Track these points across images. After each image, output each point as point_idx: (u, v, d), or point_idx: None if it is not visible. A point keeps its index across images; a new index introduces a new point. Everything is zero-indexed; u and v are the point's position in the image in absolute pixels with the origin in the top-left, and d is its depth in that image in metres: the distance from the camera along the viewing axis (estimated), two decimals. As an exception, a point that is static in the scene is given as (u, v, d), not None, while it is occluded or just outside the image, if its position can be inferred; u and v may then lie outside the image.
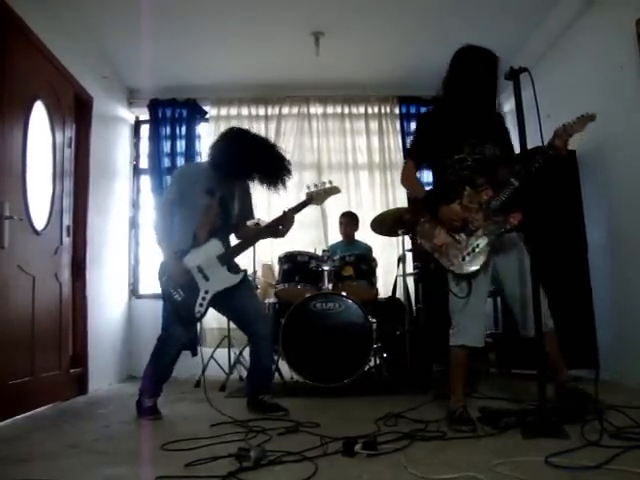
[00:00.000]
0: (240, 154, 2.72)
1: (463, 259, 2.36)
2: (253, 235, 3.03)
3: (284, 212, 2.86)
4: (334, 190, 2.98)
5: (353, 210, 4.76)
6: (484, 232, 2.36)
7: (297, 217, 2.91)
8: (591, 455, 1.68)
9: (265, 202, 4.91)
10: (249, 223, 3.18)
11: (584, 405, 2.16)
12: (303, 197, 2.95)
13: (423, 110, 5.23)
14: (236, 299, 2.78)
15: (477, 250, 2.35)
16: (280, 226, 2.87)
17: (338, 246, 4.43)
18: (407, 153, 2.71)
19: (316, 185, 2.96)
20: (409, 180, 2.61)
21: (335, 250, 4.25)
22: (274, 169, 2.82)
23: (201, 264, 2.73)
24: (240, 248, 2.88)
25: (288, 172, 2.85)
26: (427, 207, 2.48)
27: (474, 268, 2.34)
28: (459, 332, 2.39)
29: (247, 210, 3.05)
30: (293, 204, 2.93)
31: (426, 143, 2.54)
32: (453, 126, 2.45)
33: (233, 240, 2.98)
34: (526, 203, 2.35)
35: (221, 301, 2.77)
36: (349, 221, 4.49)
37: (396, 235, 3.98)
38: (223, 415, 2.54)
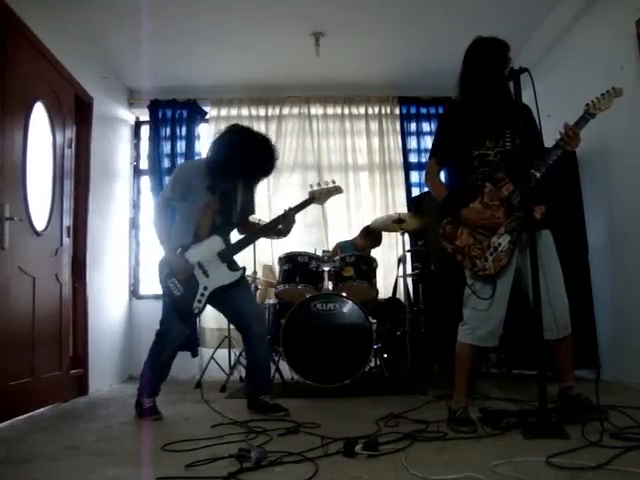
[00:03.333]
0: (233, 157, 2.72)
1: (485, 260, 2.31)
2: (255, 233, 3.04)
3: (285, 211, 2.86)
4: (336, 190, 2.97)
5: (352, 210, 4.77)
6: (506, 229, 2.30)
7: (298, 217, 2.90)
8: (592, 455, 1.68)
9: (265, 202, 4.93)
10: (250, 220, 3.18)
11: (586, 413, 2.14)
12: (304, 198, 2.95)
13: (423, 110, 5.26)
14: (233, 296, 2.79)
15: (500, 249, 2.30)
16: (280, 225, 2.86)
17: (349, 246, 4.41)
18: (430, 152, 2.64)
19: (319, 184, 2.96)
20: (431, 180, 2.56)
21: (346, 248, 4.28)
22: (264, 170, 2.83)
23: (201, 260, 2.74)
24: (241, 245, 2.87)
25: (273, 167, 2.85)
26: (447, 209, 2.43)
27: (497, 269, 2.29)
28: (468, 330, 2.36)
29: (249, 205, 3.04)
30: (295, 204, 2.91)
31: (447, 140, 2.50)
32: (473, 120, 2.40)
33: (235, 237, 2.97)
34: (548, 196, 2.30)
35: (219, 298, 2.77)
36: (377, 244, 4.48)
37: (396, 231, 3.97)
38: (223, 417, 2.54)
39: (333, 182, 2.97)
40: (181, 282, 2.71)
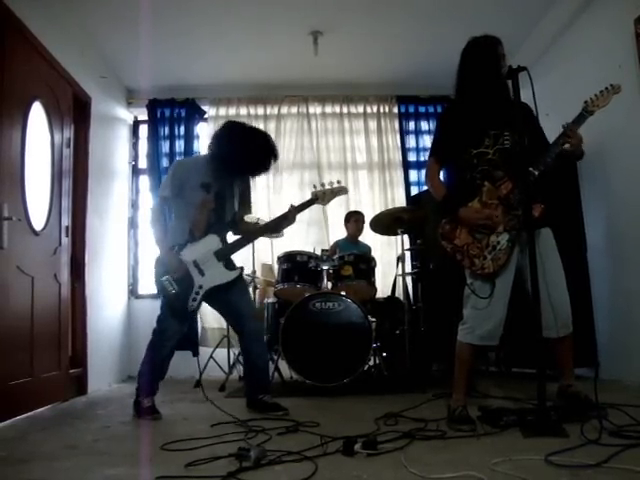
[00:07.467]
0: (238, 154, 2.71)
1: (484, 259, 2.30)
2: (252, 232, 3.02)
3: (289, 209, 2.84)
4: (341, 190, 2.94)
5: (351, 209, 4.77)
6: (505, 228, 2.30)
7: (298, 217, 2.89)
8: (591, 453, 1.68)
9: (265, 202, 4.93)
10: (248, 219, 3.17)
11: (585, 411, 2.14)
12: (303, 197, 2.94)
13: (422, 109, 5.26)
14: (230, 295, 2.78)
15: (498, 248, 2.29)
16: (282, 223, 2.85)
17: (345, 244, 4.42)
18: (430, 151, 2.64)
19: (322, 184, 2.92)
20: (431, 180, 2.56)
21: (343, 246, 4.28)
22: (265, 165, 2.81)
23: (197, 259, 2.73)
24: (238, 245, 2.86)
25: (274, 159, 2.83)
26: (446, 208, 2.43)
27: (495, 267, 2.29)
28: (468, 329, 2.36)
29: (246, 205, 3.03)
30: (296, 203, 2.90)
31: (446, 138, 2.50)
32: (472, 119, 2.39)
33: (231, 237, 2.96)
34: (548, 195, 2.30)
35: (215, 296, 2.77)
36: (361, 220, 4.49)
37: (395, 234, 3.98)
38: (225, 413, 2.54)
39: (338, 182, 2.94)
40: (176, 280, 2.70)
